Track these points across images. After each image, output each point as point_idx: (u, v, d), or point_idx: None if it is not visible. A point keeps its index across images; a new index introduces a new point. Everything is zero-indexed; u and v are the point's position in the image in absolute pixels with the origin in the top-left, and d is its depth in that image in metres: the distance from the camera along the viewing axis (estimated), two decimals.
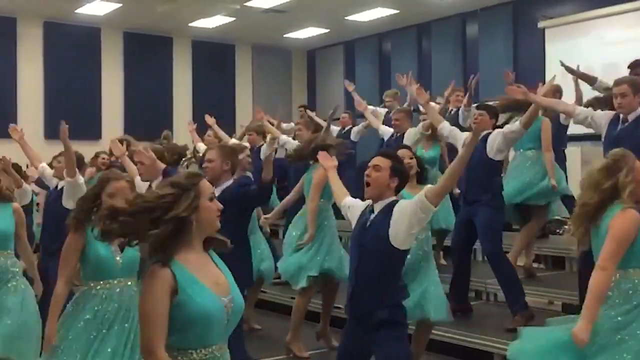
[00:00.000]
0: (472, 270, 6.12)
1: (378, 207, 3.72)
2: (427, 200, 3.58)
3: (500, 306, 6.17)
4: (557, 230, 8.05)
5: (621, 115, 5.12)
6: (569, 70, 6.74)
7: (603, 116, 5.28)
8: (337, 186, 4.21)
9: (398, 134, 7.11)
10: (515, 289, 5.57)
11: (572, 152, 7.72)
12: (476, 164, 5.63)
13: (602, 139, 5.25)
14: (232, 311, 2.50)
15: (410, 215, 3.60)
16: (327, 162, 4.32)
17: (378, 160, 3.76)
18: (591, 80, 6.56)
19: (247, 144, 7.62)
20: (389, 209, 3.67)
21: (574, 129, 7.24)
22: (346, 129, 9.71)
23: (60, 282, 3.75)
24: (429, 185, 3.73)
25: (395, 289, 3.73)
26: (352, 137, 9.42)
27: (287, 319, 6.05)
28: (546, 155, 6.46)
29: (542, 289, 6.42)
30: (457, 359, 5.56)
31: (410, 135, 6.88)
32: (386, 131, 7.43)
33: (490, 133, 5.70)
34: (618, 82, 5.18)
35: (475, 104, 7.86)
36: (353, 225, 3.90)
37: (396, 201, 3.71)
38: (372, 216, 3.72)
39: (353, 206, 3.96)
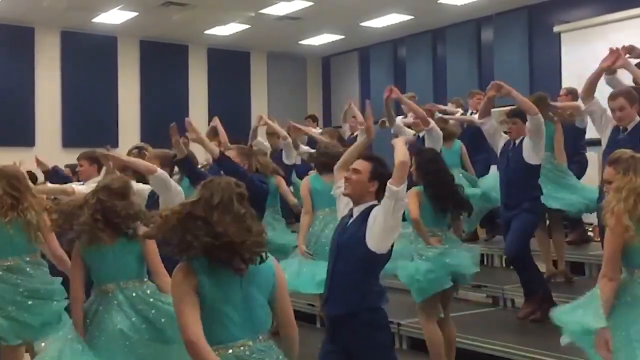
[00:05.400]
0: (488, 277, 6.07)
1: (357, 211, 3.69)
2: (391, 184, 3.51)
3: (517, 312, 6.13)
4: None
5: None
6: None
7: (611, 120, 5.29)
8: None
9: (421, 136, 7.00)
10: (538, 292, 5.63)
11: (590, 156, 7.66)
12: (514, 169, 5.65)
13: (603, 144, 5.30)
14: None
15: (385, 212, 3.53)
16: None
17: (358, 163, 3.74)
18: None
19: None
20: (366, 213, 3.64)
21: (592, 133, 7.18)
22: (355, 134, 9.68)
23: None
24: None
25: (372, 293, 3.66)
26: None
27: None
28: (558, 159, 6.52)
29: (562, 295, 6.36)
30: None
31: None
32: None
33: (525, 137, 5.71)
34: (614, 97, 5.15)
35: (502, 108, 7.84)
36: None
37: (374, 205, 3.68)
38: (351, 220, 3.71)
39: (340, 200, 3.96)
